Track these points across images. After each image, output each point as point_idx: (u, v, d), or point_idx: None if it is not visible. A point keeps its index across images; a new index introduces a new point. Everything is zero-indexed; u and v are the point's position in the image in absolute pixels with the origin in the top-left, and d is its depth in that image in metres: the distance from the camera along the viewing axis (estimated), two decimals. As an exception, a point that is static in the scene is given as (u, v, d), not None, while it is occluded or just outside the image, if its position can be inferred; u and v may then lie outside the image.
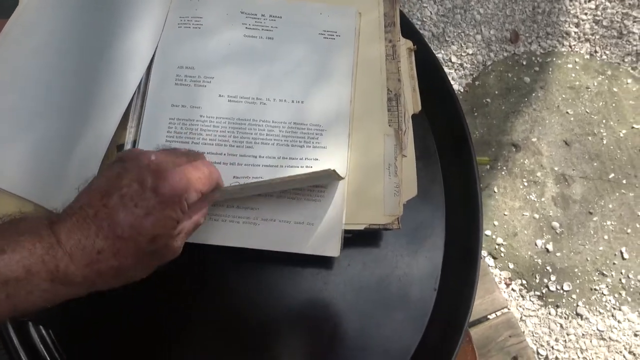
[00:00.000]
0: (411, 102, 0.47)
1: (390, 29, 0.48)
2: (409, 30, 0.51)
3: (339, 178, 0.41)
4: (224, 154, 0.43)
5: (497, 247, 1.23)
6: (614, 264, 1.22)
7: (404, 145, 0.45)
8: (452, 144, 0.52)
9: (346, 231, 0.44)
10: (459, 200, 0.50)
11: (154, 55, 0.46)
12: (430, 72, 0.53)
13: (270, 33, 0.48)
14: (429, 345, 0.46)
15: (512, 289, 1.20)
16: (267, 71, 0.46)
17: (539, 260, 1.22)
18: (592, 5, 1.49)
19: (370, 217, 0.43)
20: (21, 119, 0.45)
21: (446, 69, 1.41)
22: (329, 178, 0.41)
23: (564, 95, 1.38)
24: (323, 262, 0.47)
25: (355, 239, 0.45)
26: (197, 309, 0.45)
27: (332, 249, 0.42)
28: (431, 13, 1.46)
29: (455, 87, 1.39)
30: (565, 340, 1.16)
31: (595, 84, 1.40)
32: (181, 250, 0.35)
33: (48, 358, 0.43)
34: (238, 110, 0.45)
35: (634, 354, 1.15)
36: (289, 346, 0.45)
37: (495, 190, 1.27)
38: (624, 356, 1.15)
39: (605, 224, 1.25)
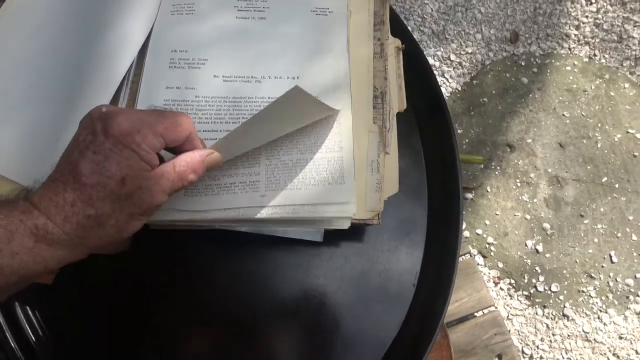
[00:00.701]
0: (397, 100, 0.48)
1: (380, 27, 0.49)
2: (398, 29, 0.52)
3: (334, 111, 0.42)
4: (220, 131, 0.44)
5: (487, 246, 1.24)
6: (602, 267, 1.23)
7: (387, 143, 0.45)
8: (437, 144, 0.53)
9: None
10: (441, 198, 0.51)
11: (147, 41, 0.47)
12: (419, 72, 0.53)
13: (262, 13, 0.48)
14: (405, 339, 0.47)
15: (501, 288, 1.21)
16: (261, 50, 0.47)
17: (529, 261, 1.23)
18: (593, 8, 1.49)
19: (351, 211, 0.43)
20: (11, 103, 0.46)
21: (444, 67, 1.41)
22: (325, 112, 0.42)
23: (560, 98, 1.39)
24: (305, 254, 0.48)
25: (338, 233, 0.46)
26: (179, 297, 0.46)
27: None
28: (432, 10, 1.46)
29: (453, 85, 1.40)
30: (550, 341, 1.18)
31: (593, 87, 1.40)
32: (164, 198, 0.35)
33: (33, 337, 0.44)
34: (233, 89, 0.45)
35: (618, 357, 1.17)
36: (267, 336, 0.46)
37: (488, 189, 1.28)
38: (608, 358, 1.17)
39: (595, 227, 1.26)
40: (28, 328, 0.45)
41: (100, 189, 0.32)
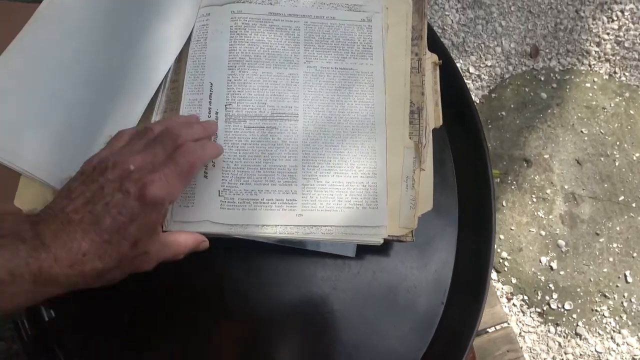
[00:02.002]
0: (433, 116, 0.48)
1: (417, 42, 0.48)
2: (435, 45, 0.52)
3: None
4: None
5: (501, 261, 1.23)
6: (617, 286, 1.22)
7: (423, 159, 0.45)
8: (470, 161, 0.52)
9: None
10: (472, 217, 0.50)
11: (185, 48, 0.47)
12: (453, 89, 0.53)
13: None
14: (433, 359, 0.46)
15: (513, 304, 1.20)
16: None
17: (542, 277, 1.22)
18: (615, 25, 1.48)
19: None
20: (49, 104, 0.45)
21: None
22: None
23: (579, 114, 1.38)
24: (333, 267, 0.47)
25: (366, 248, 0.46)
26: (199, 308, 0.46)
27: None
28: (452, 22, 1.45)
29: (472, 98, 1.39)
30: (562, 359, 1.16)
31: (612, 105, 1.39)
32: (154, 266, 0.37)
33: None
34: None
35: (630, 378, 1.15)
36: (292, 350, 0.45)
37: (504, 204, 1.27)
38: (620, 379, 1.15)
39: (611, 246, 1.25)
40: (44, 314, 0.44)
41: (115, 247, 0.33)
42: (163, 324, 0.45)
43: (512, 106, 1.38)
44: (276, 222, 0.41)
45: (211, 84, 0.45)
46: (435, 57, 0.49)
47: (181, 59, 0.47)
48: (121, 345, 0.44)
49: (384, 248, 0.49)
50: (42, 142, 0.44)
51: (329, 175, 0.43)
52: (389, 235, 0.43)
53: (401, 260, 0.49)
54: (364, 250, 0.47)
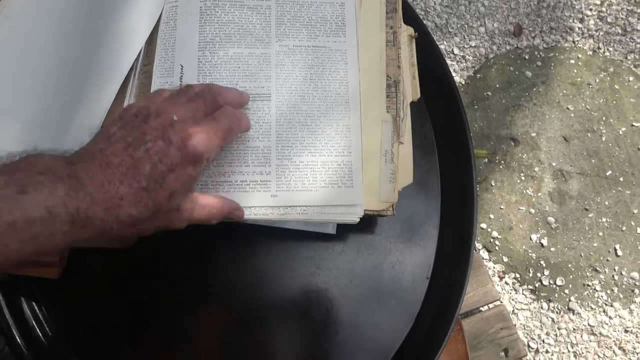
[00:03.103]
0: (410, 89, 0.47)
1: (392, 15, 0.48)
2: (410, 17, 0.51)
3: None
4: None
5: (492, 240, 1.23)
6: (607, 260, 1.23)
7: (401, 132, 0.44)
8: (450, 135, 0.52)
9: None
10: (455, 190, 0.50)
11: (155, 31, 0.46)
12: (431, 62, 0.52)
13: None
14: (419, 333, 0.46)
15: (506, 282, 1.21)
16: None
17: (533, 255, 1.22)
18: (597, 1, 1.48)
19: (366, 203, 0.42)
20: (19, 95, 0.45)
21: (448, 61, 1.40)
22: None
23: (565, 91, 1.38)
24: (317, 247, 0.47)
25: (349, 226, 0.45)
26: (186, 288, 0.45)
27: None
28: (435, 3, 1.44)
29: (457, 79, 1.39)
30: (556, 334, 1.17)
31: (597, 80, 1.39)
32: (184, 225, 0.37)
33: (39, 331, 0.44)
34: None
35: (624, 350, 1.16)
36: (278, 329, 0.45)
37: (493, 183, 1.28)
38: (614, 352, 1.16)
39: (600, 220, 1.26)
40: (34, 323, 0.44)
41: (152, 196, 0.32)
42: (146, 308, 0.45)
43: (497, 86, 1.38)
44: (251, 204, 0.41)
45: (181, 66, 0.44)
46: (410, 30, 0.49)
47: (152, 42, 0.46)
48: (110, 340, 0.44)
49: (367, 224, 0.48)
50: (13, 133, 0.43)
51: (303, 155, 0.43)
52: (370, 210, 0.43)
53: (385, 236, 0.48)
54: (347, 228, 0.47)
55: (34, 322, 0.44)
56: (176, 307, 0.45)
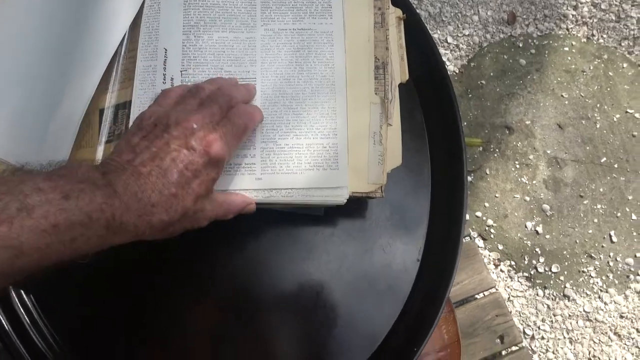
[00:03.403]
0: (399, 71, 0.47)
1: (380, -4, 0.47)
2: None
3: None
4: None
5: (487, 228, 1.23)
6: (602, 246, 1.23)
7: (389, 114, 0.44)
8: (440, 118, 0.52)
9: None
10: (445, 173, 0.50)
11: (138, 16, 0.45)
12: (420, 45, 0.52)
13: None
14: (410, 315, 0.46)
15: (501, 270, 1.21)
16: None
17: (529, 242, 1.22)
18: (590, -13, 1.47)
19: (354, 185, 0.42)
20: (3, 82, 0.44)
21: (442, 50, 1.40)
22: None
23: (559, 79, 1.38)
24: (307, 231, 0.47)
25: (340, 209, 0.45)
26: (176, 275, 0.45)
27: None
28: (428, -8, 1.44)
29: (451, 68, 1.38)
30: (551, 321, 1.18)
31: (591, 67, 1.39)
32: (206, 224, 0.38)
33: (29, 322, 0.43)
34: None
35: (619, 336, 1.17)
36: (270, 315, 0.45)
37: (487, 172, 1.27)
38: (609, 337, 1.17)
39: (595, 207, 1.26)
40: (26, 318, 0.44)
41: (180, 202, 0.34)
42: (140, 300, 0.44)
43: (491, 74, 1.38)
44: (236, 187, 0.41)
45: (165, 49, 0.43)
46: (399, 12, 0.48)
47: (136, 27, 0.45)
48: (103, 334, 0.44)
49: (357, 208, 0.48)
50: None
51: (288, 137, 0.42)
52: (358, 192, 0.42)
53: (375, 219, 0.48)
54: (337, 212, 0.47)
55: (25, 317, 0.44)
56: (167, 293, 0.45)
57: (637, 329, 1.18)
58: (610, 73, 1.39)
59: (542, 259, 1.21)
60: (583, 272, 1.21)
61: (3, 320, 0.42)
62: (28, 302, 0.44)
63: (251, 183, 0.41)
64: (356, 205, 0.48)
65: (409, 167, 0.49)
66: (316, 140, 0.43)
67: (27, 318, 0.43)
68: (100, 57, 0.44)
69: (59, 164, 0.35)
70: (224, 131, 0.37)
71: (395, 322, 0.46)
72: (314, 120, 0.43)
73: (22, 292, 0.44)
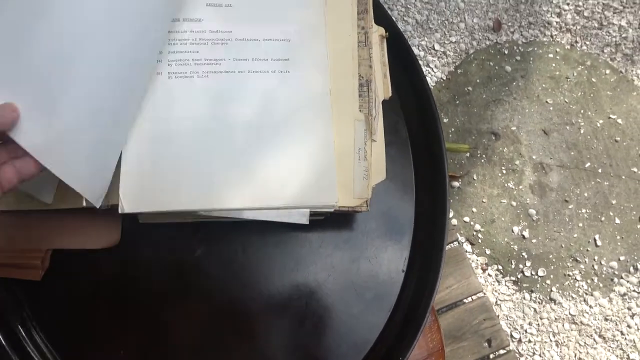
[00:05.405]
0: (382, 88, 0.48)
1: (363, 15, 0.49)
2: (381, 16, 0.52)
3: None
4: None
5: (474, 233, 1.25)
6: (587, 250, 1.25)
7: (373, 130, 0.46)
8: (423, 131, 0.53)
9: (317, 213, 0.45)
10: (428, 184, 0.52)
11: None
12: (403, 61, 0.54)
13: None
14: (396, 323, 0.47)
15: (489, 274, 1.23)
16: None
17: (515, 247, 1.25)
18: (574, -5, 1.50)
19: (340, 199, 0.44)
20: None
21: (429, 57, 1.42)
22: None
23: (544, 85, 1.40)
24: (294, 243, 0.48)
25: (327, 222, 0.47)
26: (169, 290, 0.46)
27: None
28: (415, 0, 1.46)
29: (438, 75, 1.41)
30: (538, 324, 1.20)
31: (575, 74, 1.42)
32: None
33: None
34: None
35: (604, 338, 1.19)
36: (258, 326, 0.46)
37: (475, 177, 1.30)
38: (594, 339, 1.19)
39: (580, 211, 1.28)
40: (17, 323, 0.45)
41: None
42: (129, 307, 0.45)
43: (477, 81, 1.40)
44: (223, 207, 0.42)
45: None
46: (382, 30, 0.50)
47: None
48: (93, 338, 0.45)
49: (344, 220, 0.50)
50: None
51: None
52: (344, 207, 0.44)
53: (361, 231, 0.50)
54: (324, 224, 0.48)
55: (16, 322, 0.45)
56: (157, 306, 0.46)
57: (621, 332, 1.20)
58: (594, 79, 1.42)
59: (528, 263, 1.23)
60: (569, 275, 1.23)
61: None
62: (24, 314, 0.45)
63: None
64: (343, 218, 0.49)
65: (393, 179, 0.50)
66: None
67: (21, 329, 0.44)
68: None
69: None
70: None
71: (381, 330, 0.47)
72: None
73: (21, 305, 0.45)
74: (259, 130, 0.44)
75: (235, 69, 0.46)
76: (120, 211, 0.41)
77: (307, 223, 0.46)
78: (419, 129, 0.53)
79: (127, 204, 0.41)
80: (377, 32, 0.49)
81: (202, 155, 0.43)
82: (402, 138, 0.54)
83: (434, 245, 0.49)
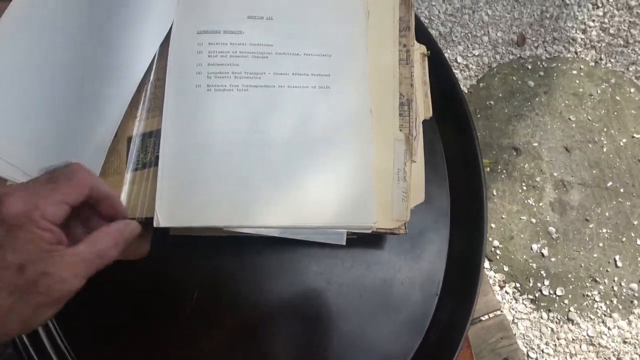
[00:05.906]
0: (422, 107, 0.48)
1: (405, 33, 0.48)
2: (422, 35, 0.51)
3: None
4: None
5: (493, 249, 1.24)
6: (607, 271, 1.23)
7: (414, 151, 0.45)
8: (460, 151, 0.52)
9: (351, 232, 0.44)
10: (464, 207, 0.51)
11: (166, 42, 0.46)
12: (442, 79, 0.53)
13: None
14: (428, 350, 0.46)
15: (506, 292, 1.21)
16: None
17: (534, 265, 1.23)
18: (600, 12, 1.49)
19: (378, 221, 0.43)
20: (28, 101, 0.45)
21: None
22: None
23: (567, 102, 1.39)
24: (327, 262, 0.47)
25: (359, 241, 0.46)
26: (192, 303, 0.45)
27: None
28: (439, 12, 1.45)
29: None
30: (555, 344, 1.18)
31: (599, 91, 1.40)
32: (81, 282, 0.31)
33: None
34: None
35: (622, 361, 1.17)
36: (288, 343, 0.45)
37: (494, 193, 1.28)
38: (612, 362, 1.17)
39: (600, 231, 1.27)
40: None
41: None
42: (155, 319, 0.45)
43: (500, 95, 1.39)
44: (255, 224, 0.41)
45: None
46: (423, 48, 0.49)
47: (163, 54, 0.46)
48: (111, 345, 0.44)
49: (377, 241, 0.49)
50: (19, 142, 0.43)
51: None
52: (382, 229, 0.43)
53: (395, 252, 0.49)
54: (357, 244, 0.47)
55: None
56: (182, 318, 0.45)
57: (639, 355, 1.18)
58: (618, 97, 1.40)
59: (547, 282, 1.21)
60: (587, 296, 1.21)
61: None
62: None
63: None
64: (376, 239, 0.48)
65: (428, 200, 0.49)
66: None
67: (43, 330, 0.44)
68: (128, 85, 0.44)
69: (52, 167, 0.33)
70: (32, 184, 0.32)
71: (413, 355, 0.46)
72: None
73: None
74: (298, 147, 0.43)
75: (275, 83, 0.45)
76: (155, 224, 0.40)
77: (344, 244, 0.46)
78: (456, 148, 0.52)
79: (163, 218, 0.40)
80: (418, 50, 0.49)
81: (240, 171, 0.42)
82: (438, 157, 0.53)
83: (469, 269, 0.48)
